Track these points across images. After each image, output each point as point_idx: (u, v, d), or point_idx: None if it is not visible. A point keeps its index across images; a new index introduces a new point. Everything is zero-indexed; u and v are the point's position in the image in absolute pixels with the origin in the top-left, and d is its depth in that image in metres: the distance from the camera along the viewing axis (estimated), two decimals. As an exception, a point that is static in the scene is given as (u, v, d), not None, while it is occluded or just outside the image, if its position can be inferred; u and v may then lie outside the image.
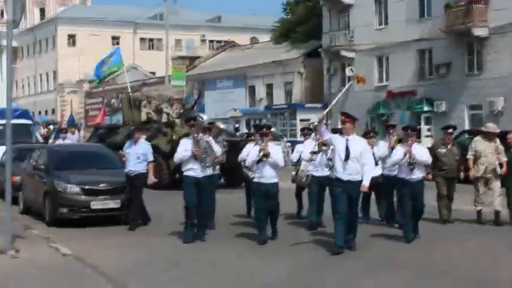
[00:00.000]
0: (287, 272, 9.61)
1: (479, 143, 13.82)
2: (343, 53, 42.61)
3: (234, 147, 13.47)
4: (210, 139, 12.13)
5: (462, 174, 13.96)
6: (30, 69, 78.02)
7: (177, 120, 22.05)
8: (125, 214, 13.92)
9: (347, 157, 10.53)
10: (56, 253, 11.06)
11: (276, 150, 11.53)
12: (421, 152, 11.85)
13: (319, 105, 42.54)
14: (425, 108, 38.15)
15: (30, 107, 54.55)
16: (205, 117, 12.38)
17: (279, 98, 47.77)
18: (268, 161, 11.29)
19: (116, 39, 72.85)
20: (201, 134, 11.97)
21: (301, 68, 46.69)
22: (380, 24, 41.35)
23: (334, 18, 44.21)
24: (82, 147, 19.37)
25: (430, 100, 37.84)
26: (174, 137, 19.47)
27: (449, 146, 13.90)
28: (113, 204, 13.70)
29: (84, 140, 27.22)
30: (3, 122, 11.63)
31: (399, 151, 11.82)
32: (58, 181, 13.77)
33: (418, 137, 15.46)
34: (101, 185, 13.75)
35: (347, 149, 10.54)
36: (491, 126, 14.21)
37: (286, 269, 9.77)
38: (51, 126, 30.70)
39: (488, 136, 13.81)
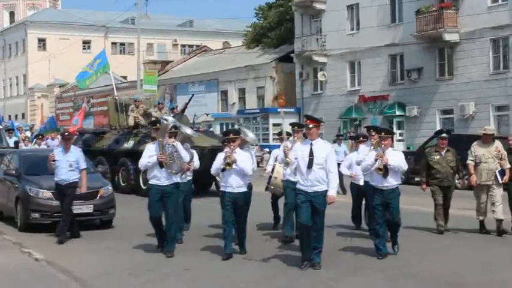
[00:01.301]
0: (260, 277, 9.55)
1: (477, 148, 12.96)
2: (315, 58, 42.74)
3: None
4: (177, 144, 11.16)
5: (461, 182, 13.38)
6: (0, 73, 77.25)
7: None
8: (99, 219, 13.89)
9: (310, 163, 9.68)
10: (28, 258, 10.96)
11: (244, 157, 10.72)
12: (395, 157, 10.69)
13: (291, 110, 42.67)
14: (397, 113, 38.38)
15: None
16: (170, 119, 11.50)
17: (251, 103, 47.79)
18: (234, 168, 10.54)
19: (86, 44, 72.41)
20: (167, 139, 11.06)
21: (273, 72, 46.76)
22: (352, 29, 41.56)
23: (306, 23, 44.34)
24: (54, 151, 19.09)
25: (402, 105, 38.09)
26: None
27: (443, 153, 13.05)
28: (86, 208, 13.60)
29: None
30: None
31: (371, 155, 10.83)
32: (30, 186, 13.62)
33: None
34: (73, 190, 13.58)
35: (311, 153, 9.73)
36: (488, 129, 13.36)
37: (259, 274, 9.68)
38: (28, 132, 30.22)
39: (485, 140, 12.96)
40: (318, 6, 42.89)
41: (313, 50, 42.84)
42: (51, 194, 13.37)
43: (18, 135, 27.51)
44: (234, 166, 10.52)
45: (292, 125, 12.48)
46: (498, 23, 33.01)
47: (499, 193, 12.85)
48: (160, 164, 10.90)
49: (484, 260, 10.75)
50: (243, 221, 11.03)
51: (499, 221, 12.76)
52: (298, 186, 9.95)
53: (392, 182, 10.71)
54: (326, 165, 9.75)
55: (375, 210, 10.86)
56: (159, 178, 10.97)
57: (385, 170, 10.56)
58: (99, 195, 13.82)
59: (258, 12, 55.95)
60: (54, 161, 12.68)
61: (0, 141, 22.64)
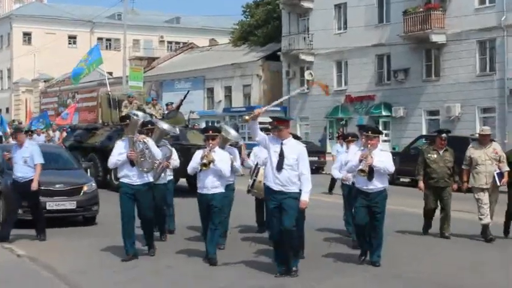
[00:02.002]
0: (241, 276, 9.43)
1: (472, 150, 12.44)
2: (302, 56, 42.74)
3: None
4: (149, 140, 10.53)
5: (455, 186, 12.71)
6: (-16, 67, 76.71)
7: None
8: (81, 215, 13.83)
9: (280, 164, 9.08)
10: (10, 254, 10.87)
11: (222, 156, 10.11)
12: (382, 158, 10.00)
13: (278, 108, 42.58)
14: (384, 113, 38.44)
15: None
16: (140, 114, 10.76)
17: (237, 101, 47.73)
18: (211, 169, 9.90)
19: (72, 39, 72.01)
20: (137, 135, 10.42)
21: (259, 71, 46.69)
22: (339, 29, 41.60)
23: (294, 21, 44.31)
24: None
25: (388, 105, 38.15)
26: None
27: (441, 152, 12.63)
28: (69, 205, 13.47)
29: (59, 141, 25.52)
30: None
31: (356, 156, 10.11)
32: (12, 181, 13.41)
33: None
34: (56, 186, 13.45)
35: (281, 154, 9.13)
36: (485, 129, 12.86)
37: (240, 274, 9.55)
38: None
39: (482, 141, 12.48)
40: (306, 4, 42.88)
41: (300, 48, 42.82)
42: (34, 189, 13.21)
43: (7, 130, 27.20)
44: (211, 166, 9.89)
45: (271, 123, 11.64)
46: (485, 25, 33.12)
47: (495, 198, 12.41)
48: (131, 162, 10.30)
49: (472, 262, 10.68)
50: (218, 224, 10.16)
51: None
52: (267, 183, 9.34)
53: (377, 184, 10.03)
54: (298, 167, 9.14)
55: (357, 212, 10.16)
56: (131, 177, 10.36)
57: (370, 172, 9.88)
58: (82, 191, 13.67)
59: (245, 10, 55.89)
60: (9, 159, 12.23)
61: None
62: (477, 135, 13.18)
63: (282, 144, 9.19)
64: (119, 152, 10.40)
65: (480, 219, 12.31)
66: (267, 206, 9.63)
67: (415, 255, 11.15)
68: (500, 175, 12.24)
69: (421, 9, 35.64)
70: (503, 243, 12.30)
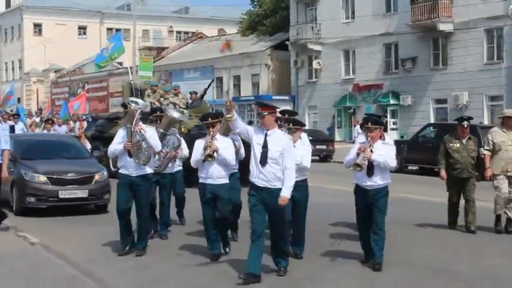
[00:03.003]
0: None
1: (496, 135, 11.61)
2: (310, 46, 42.87)
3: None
4: (146, 132, 9.80)
5: (479, 176, 11.79)
6: (-5, 58, 77.17)
7: (185, 111, 19.59)
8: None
9: (264, 157, 8.30)
10: (24, 242, 11.05)
11: (226, 144, 9.47)
12: (382, 152, 8.99)
13: (286, 97, 42.81)
14: (391, 102, 38.58)
15: (-5, 96, 53.78)
16: (140, 102, 10.40)
17: (246, 90, 47.88)
18: (215, 158, 9.28)
19: (82, 29, 72.36)
20: (139, 124, 9.79)
21: (268, 60, 46.82)
22: (347, 18, 41.69)
23: (302, 11, 44.41)
24: (50, 136, 19.18)
25: (396, 94, 38.26)
26: (182, 129, 14.90)
27: (464, 141, 11.76)
28: (81, 193, 13.65)
29: (79, 131, 25.54)
30: None
31: (355, 149, 9.15)
32: (25, 170, 13.66)
33: (385, 130, 12.10)
34: (68, 175, 13.66)
35: (265, 146, 8.33)
36: (509, 111, 12.07)
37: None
38: (34, 118, 30.24)
39: (507, 124, 11.60)
40: (314, -6, 42.98)
41: (308, 38, 42.95)
42: (46, 178, 13.45)
43: (25, 120, 27.39)
44: (215, 155, 9.25)
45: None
46: (492, 13, 33.17)
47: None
48: (129, 153, 9.75)
49: (477, 250, 10.65)
50: (225, 216, 9.63)
51: (509, 220, 11.66)
52: (251, 179, 8.49)
53: (377, 181, 9.05)
54: (282, 161, 8.32)
55: (356, 213, 9.39)
56: (128, 168, 9.80)
57: (369, 167, 8.99)
58: (94, 180, 13.83)
59: (253, 0, 55.94)
60: None
61: (-4, 126, 22.56)
62: (500, 119, 12.29)
63: (266, 135, 8.41)
64: (118, 141, 9.89)
65: (495, 211, 11.76)
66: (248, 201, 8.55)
67: (420, 242, 11.16)
68: None
69: (429, -2, 35.72)
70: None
